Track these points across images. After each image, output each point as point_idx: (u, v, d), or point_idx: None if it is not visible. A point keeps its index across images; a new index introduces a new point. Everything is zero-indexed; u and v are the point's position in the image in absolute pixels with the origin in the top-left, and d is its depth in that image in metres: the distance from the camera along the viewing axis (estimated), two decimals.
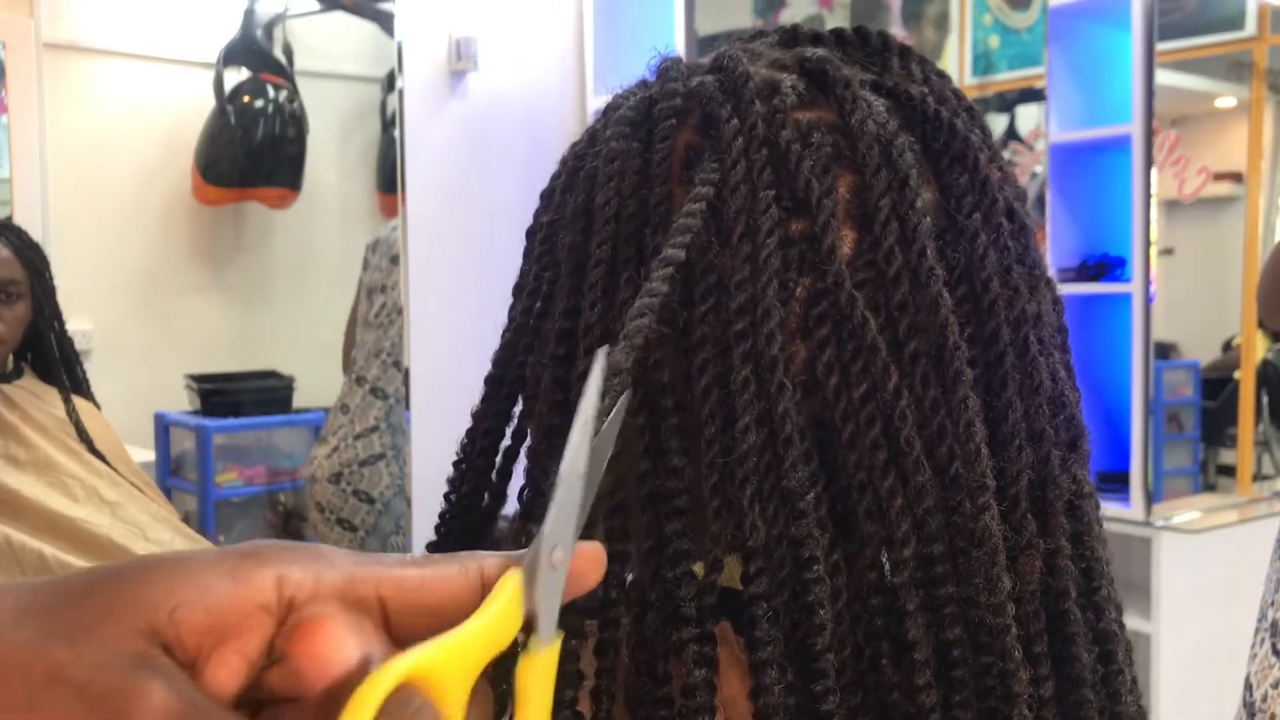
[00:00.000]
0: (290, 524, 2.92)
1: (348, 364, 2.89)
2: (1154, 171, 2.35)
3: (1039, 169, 2.89)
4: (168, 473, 2.80)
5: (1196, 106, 3.16)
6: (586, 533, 0.36)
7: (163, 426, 2.89)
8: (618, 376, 0.39)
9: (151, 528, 1.88)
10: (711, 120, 0.46)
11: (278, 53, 3.15)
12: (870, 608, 0.43)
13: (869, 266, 0.44)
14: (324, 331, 3.02)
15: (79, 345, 2.15)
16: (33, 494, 1.82)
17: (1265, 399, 3.04)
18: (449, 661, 0.31)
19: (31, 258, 2.00)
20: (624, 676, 0.44)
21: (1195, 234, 3.13)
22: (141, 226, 3.10)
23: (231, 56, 3.07)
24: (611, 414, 0.38)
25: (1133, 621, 2.23)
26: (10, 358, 2.00)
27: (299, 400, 2.97)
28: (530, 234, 0.52)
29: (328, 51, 3.37)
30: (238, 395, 2.88)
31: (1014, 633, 0.43)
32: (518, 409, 0.51)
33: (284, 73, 3.13)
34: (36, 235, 2.07)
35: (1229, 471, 2.92)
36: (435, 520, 0.52)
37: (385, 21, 2.99)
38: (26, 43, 2.77)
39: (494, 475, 0.51)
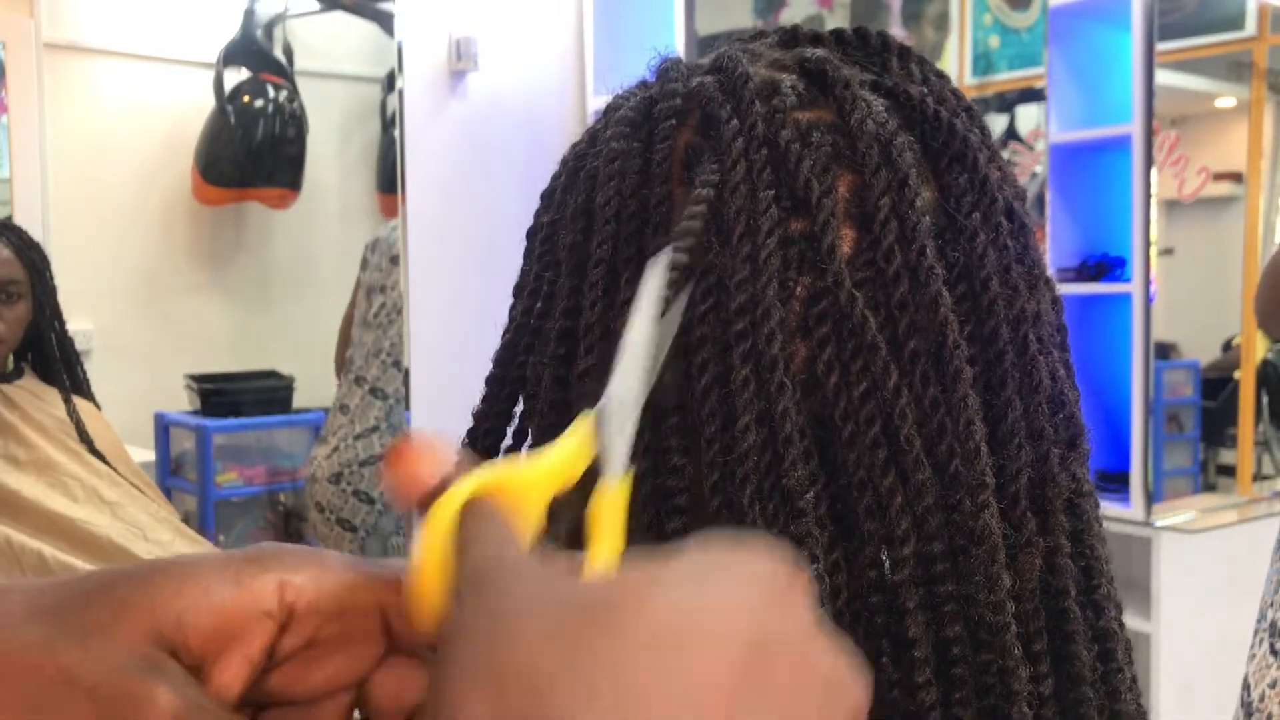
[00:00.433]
0: (290, 524, 2.92)
1: (341, 365, 2.88)
2: (1154, 171, 2.35)
3: (1039, 169, 2.89)
4: (168, 473, 2.80)
5: (1196, 106, 3.16)
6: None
7: (163, 426, 2.89)
8: (678, 270, 0.42)
9: (151, 528, 1.88)
10: (711, 120, 0.46)
11: (278, 53, 3.15)
12: (870, 605, 0.43)
13: (869, 265, 0.44)
14: (324, 332, 3.02)
15: (79, 345, 2.15)
16: (33, 494, 1.82)
17: (1265, 399, 3.04)
18: (522, 484, 0.33)
19: (32, 258, 2.00)
20: None
21: (1195, 234, 3.13)
22: (141, 226, 3.11)
23: (231, 56, 3.07)
24: (674, 301, 0.42)
25: (1132, 621, 2.23)
26: (10, 358, 2.00)
27: (299, 400, 2.97)
28: (531, 234, 0.52)
29: (328, 51, 3.38)
30: (238, 395, 2.88)
31: (1014, 630, 0.43)
32: (519, 409, 0.51)
33: (284, 73, 3.13)
34: (36, 235, 2.07)
35: (1229, 471, 2.92)
36: None
37: (385, 21, 2.99)
38: (26, 43, 2.78)
39: None
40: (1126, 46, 2.37)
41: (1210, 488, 2.95)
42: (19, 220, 2.35)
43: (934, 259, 0.44)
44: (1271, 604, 1.48)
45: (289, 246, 3.33)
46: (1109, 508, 2.34)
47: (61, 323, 2.07)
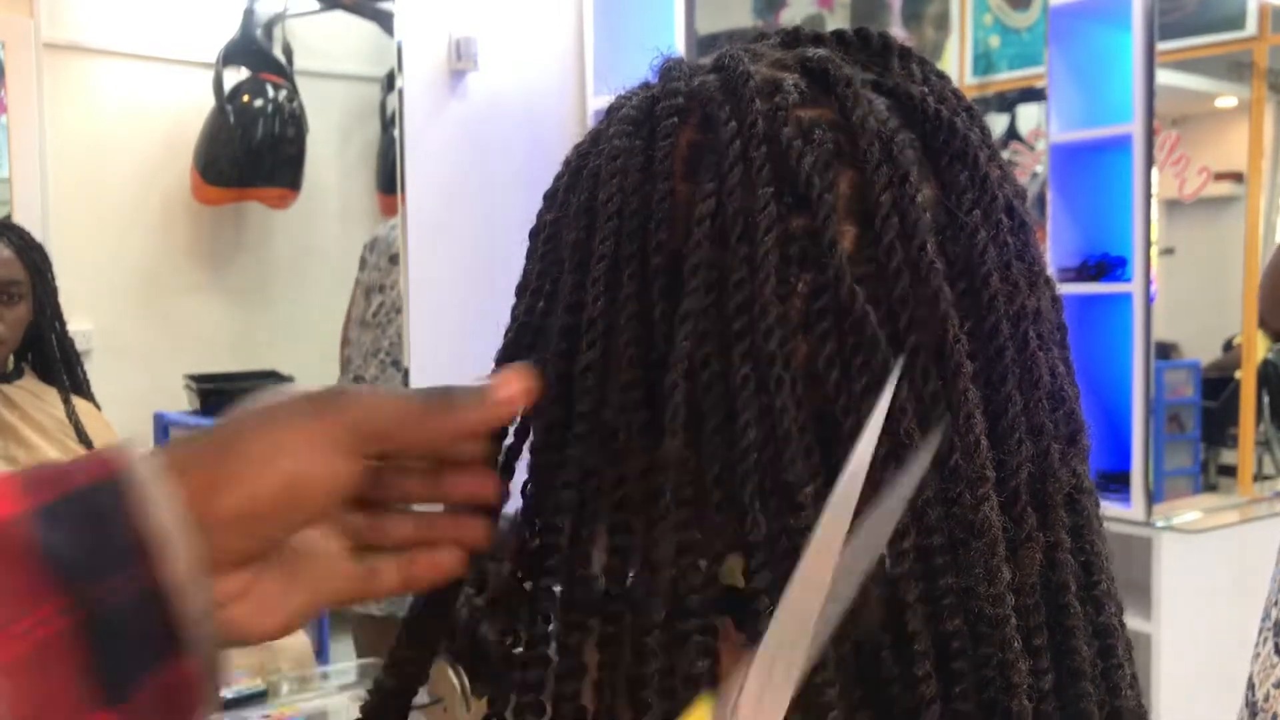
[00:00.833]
0: None
1: (345, 365, 2.89)
2: (1154, 171, 2.36)
3: (1039, 169, 2.90)
4: None
5: (1197, 106, 3.17)
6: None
7: (162, 426, 2.90)
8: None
9: None
10: (712, 119, 0.46)
11: (277, 52, 3.15)
12: (870, 599, 0.43)
13: (870, 261, 0.44)
14: (324, 332, 3.03)
15: (79, 345, 2.15)
16: None
17: (1266, 399, 3.05)
18: None
19: (33, 258, 2.00)
20: (626, 669, 0.44)
21: (1196, 234, 3.13)
22: (141, 226, 3.11)
23: (231, 56, 3.07)
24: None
25: (1133, 621, 2.23)
26: (11, 358, 2.00)
27: None
28: (534, 233, 0.52)
29: (328, 51, 3.38)
30: (237, 395, 2.87)
31: (1014, 624, 0.43)
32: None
33: (284, 72, 3.13)
34: (36, 235, 2.07)
35: (1230, 471, 2.93)
36: None
37: (385, 21, 3.00)
38: (26, 43, 2.78)
39: (497, 472, 0.51)
40: (1127, 46, 2.37)
41: (1211, 488, 2.95)
42: (18, 220, 2.35)
43: (935, 255, 0.44)
44: (1276, 603, 1.48)
45: (289, 246, 3.33)
46: (1109, 508, 2.34)
47: (62, 323, 2.07)
